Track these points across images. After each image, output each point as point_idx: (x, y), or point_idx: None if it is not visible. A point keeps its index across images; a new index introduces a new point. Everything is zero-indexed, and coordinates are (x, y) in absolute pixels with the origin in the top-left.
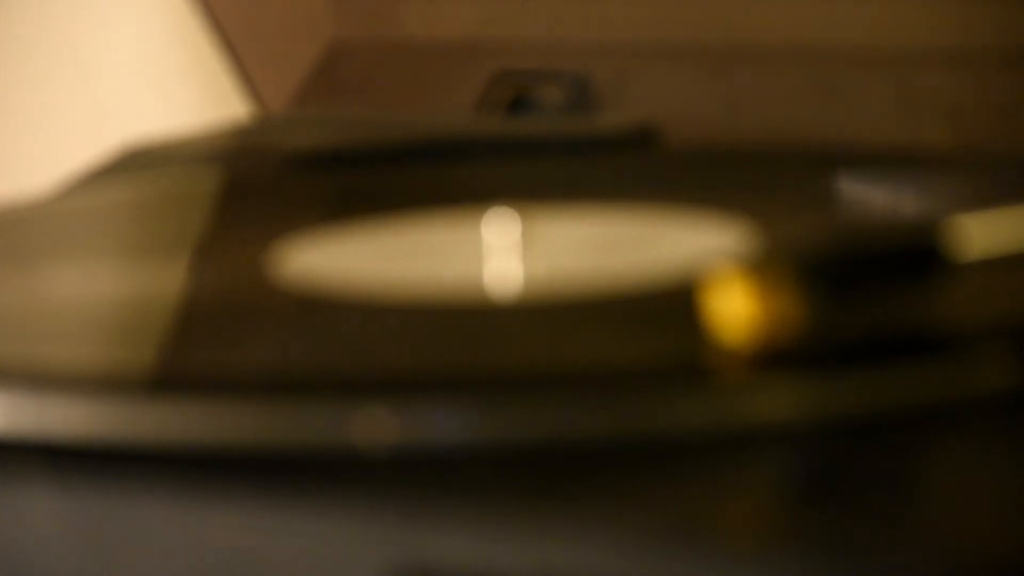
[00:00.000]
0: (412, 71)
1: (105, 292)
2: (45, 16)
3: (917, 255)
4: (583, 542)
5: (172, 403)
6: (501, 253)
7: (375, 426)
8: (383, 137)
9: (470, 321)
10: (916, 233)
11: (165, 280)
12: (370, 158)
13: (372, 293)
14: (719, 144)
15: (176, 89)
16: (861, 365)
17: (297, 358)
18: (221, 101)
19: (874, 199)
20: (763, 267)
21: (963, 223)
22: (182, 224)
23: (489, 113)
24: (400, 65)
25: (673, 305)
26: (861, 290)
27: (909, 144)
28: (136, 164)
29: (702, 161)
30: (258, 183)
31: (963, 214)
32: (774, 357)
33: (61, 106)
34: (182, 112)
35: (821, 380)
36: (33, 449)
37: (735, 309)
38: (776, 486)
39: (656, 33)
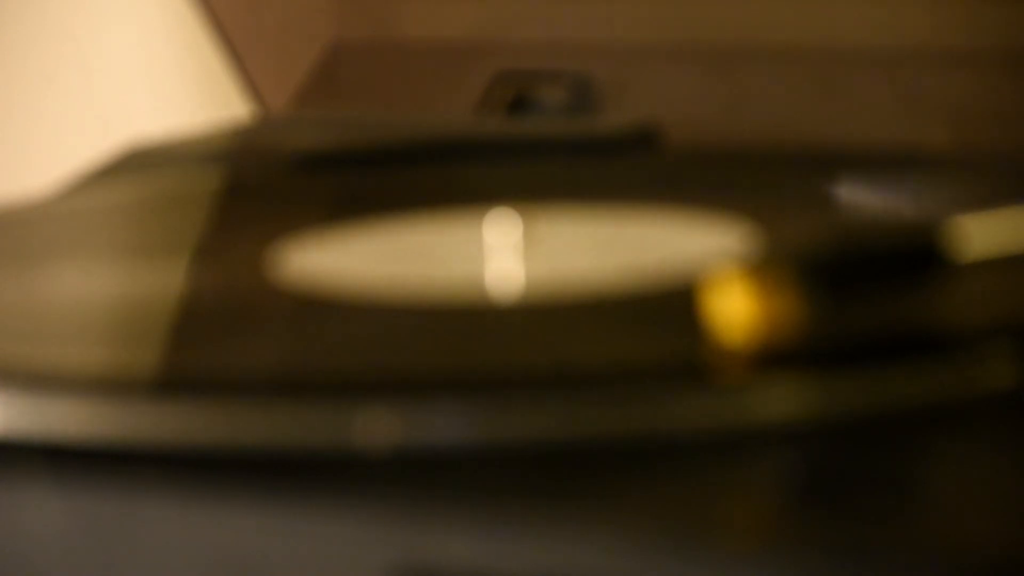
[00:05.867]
0: (412, 71)
1: (106, 293)
2: (45, 16)
3: (917, 255)
4: (584, 542)
5: (173, 404)
6: (502, 254)
7: (377, 427)
8: (384, 138)
9: (471, 322)
10: (916, 233)
11: (166, 281)
12: (371, 159)
13: (374, 294)
14: (720, 145)
15: (176, 89)
16: (861, 365)
17: (299, 359)
18: (221, 101)
19: (875, 200)
20: (764, 268)
21: (963, 223)
22: (183, 225)
23: (489, 113)
24: (400, 65)
25: (674, 306)
26: (861, 290)
27: (910, 145)
28: (137, 164)
29: (703, 162)
30: (259, 184)
31: (963, 214)
32: (774, 357)
33: (61, 106)
34: (182, 112)
35: (821, 380)
36: (34, 450)
37: (736, 309)
38: (776, 486)
39: (657, 34)
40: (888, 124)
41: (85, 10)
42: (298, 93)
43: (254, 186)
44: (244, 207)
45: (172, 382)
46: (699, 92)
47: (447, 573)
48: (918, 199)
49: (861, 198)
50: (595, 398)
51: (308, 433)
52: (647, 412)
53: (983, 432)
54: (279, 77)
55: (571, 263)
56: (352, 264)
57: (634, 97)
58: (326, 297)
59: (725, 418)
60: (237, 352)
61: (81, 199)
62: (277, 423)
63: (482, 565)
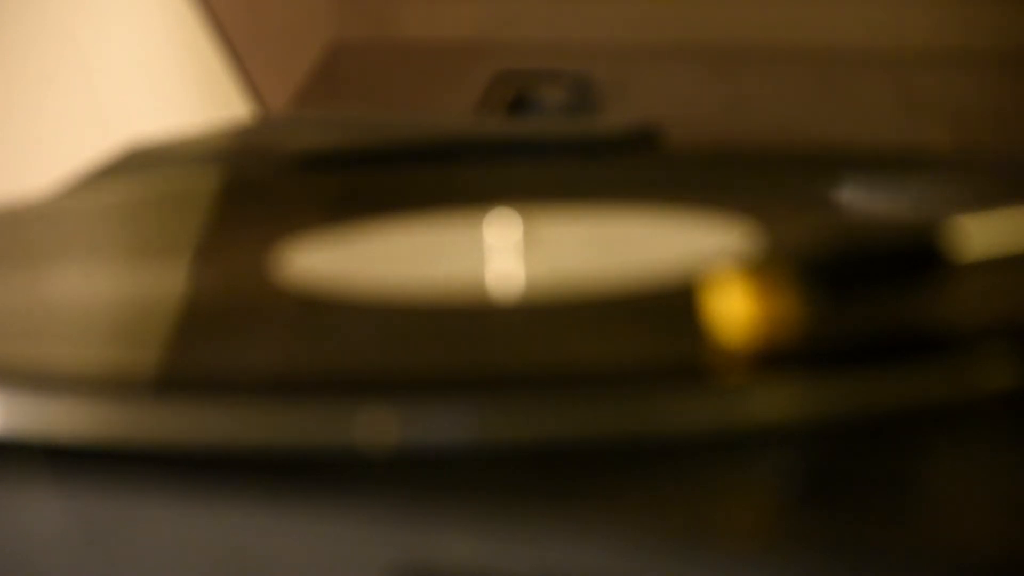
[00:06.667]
0: (412, 71)
1: (106, 293)
2: (45, 16)
3: (917, 255)
4: (583, 542)
5: (174, 404)
6: (502, 254)
7: (376, 426)
8: (384, 138)
9: (471, 322)
10: (916, 233)
11: (166, 281)
12: (371, 159)
13: (374, 294)
14: (720, 145)
15: (176, 89)
16: (861, 365)
17: (299, 359)
18: (221, 101)
19: (875, 199)
20: (764, 268)
21: (963, 223)
22: (183, 225)
23: (489, 113)
24: (400, 65)
25: (674, 305)
26: (861, 290)
27: (910, 145)
28: (137, 164)
29: (703, 162)
30: (259, 184)
31: (963, 214)
32: (774, 357)
33: (61, 106)
34: (182, 112)
35: (821, 380)
36: (34, 450)
37: (736, 309)
38: (776, 486)
39: (657, 34)
40: (888, 124)
41: (85, 10)
42: (298, 93)
43: (254, 186)
44: (244, 207)
45: (172, 382)
46: (699, 92)
47: (447, 573)
48: (918, 199)
49: (861, 198)
50: (595, 398)
51: (308, 433)
52: (647, 412)
53: (983, 432)
54: (279, 77)
55: (571, 263)
56: (352, 264)
57: (634, 97)
58: (326, 297)
59: (725, 418)
60: (237, 352)
61: (81, 199)
62: (277, 423)
63: (482, 565)
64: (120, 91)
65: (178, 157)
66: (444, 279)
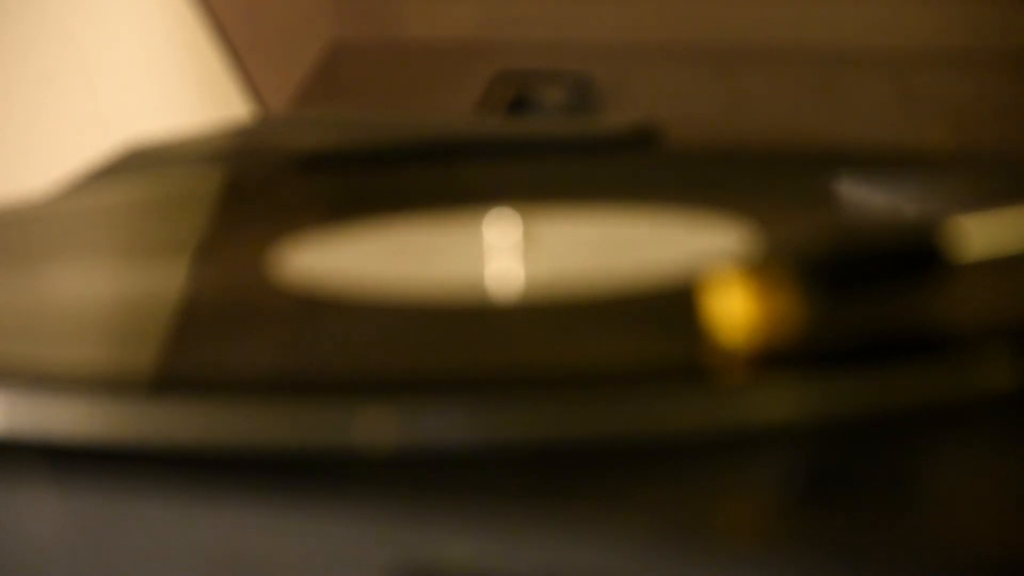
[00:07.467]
0: (412, 71)
1: (106, 293)
2: (45, 16)
3: (917, 255)
4: (583, 542)
5: (173, 404)
6: (502, 253)
7: (376, 426)
8: (384, 137)
9: (471, 321)
10: (916, 233)
11: (166, 281)
12: (371, 158)
13: (373, 293)
14: (720, 144)
15: (176, 89)
16: (861, 365)
17: (298, 358)
18: (221, 101)
19: (874, 199)
20: (763, 267)
21: (963, 223)
22: (183, 225)
23: (489, 113)
24: (400, 65)
25: (674, 305)
26: (861, 290)
27: (909, 144)
28: (137, 164)
29: (703, 162)
30: (259, 184)
31: (963, 214)
32: (774, 357)
33: (62, 106)
34: (182, 112)
35: (821, 380)
36: (33, 450)
37: (735, 309)
38: (776, 486)
39: (657, 33)
40: (888, 124)
41: (85, 10)
42: (298, 93)
43: (254, 186)
44: (244, 207)
45: (172, 382)
46: (699, 92)
47: (447, 573)
48: (918, 199)
49: (861, 198)
50: (595, 398)
51: (308, 433)
52: (647, 412)
53: (983, 432)
54: (279, 77)
55: (571, 263)
56: (352, 264)
57: (634, 97)
58: (326, 297)
59: (725, 418)
60: (237, 352)
61: (81, 199)
62: (277, 423)
63: (482, 565)
64: (120, 91)
65: (178, 157)
66: (444, 279)
